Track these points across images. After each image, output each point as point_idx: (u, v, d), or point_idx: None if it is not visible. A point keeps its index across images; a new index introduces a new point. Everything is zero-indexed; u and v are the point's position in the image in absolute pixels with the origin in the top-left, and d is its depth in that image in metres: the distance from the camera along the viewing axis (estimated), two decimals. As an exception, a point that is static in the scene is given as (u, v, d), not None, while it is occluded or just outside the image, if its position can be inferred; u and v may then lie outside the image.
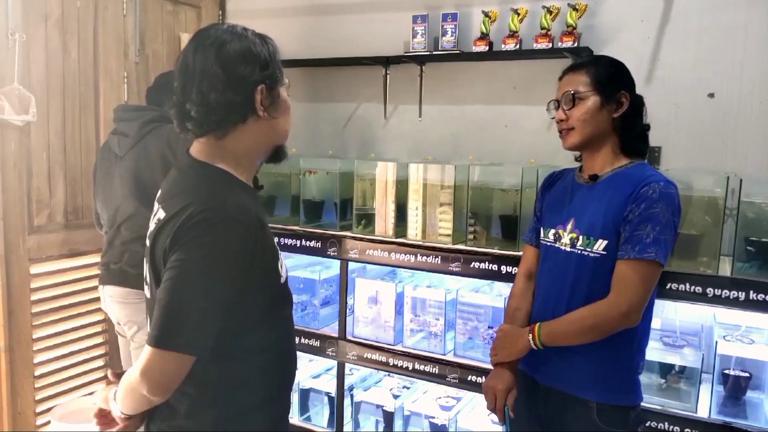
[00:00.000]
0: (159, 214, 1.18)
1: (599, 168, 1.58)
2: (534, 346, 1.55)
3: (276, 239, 2.64)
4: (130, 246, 2.24)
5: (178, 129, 1.19)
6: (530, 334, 1.55)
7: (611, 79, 1.54)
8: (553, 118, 1.62)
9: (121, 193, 2.27)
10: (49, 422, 2.56)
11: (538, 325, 1.55)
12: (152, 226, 1.19)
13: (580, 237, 1.54)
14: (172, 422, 1.17)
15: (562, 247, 1.59)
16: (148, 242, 1.21)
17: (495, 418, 2.46)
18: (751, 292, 1.87)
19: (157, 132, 2.24)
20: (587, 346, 1.50)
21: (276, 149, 1.26)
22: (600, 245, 1.50)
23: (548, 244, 1.65)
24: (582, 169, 1.66)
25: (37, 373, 2.56)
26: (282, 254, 1.30)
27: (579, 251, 1.54)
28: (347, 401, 2.68)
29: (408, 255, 2.43)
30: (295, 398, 2.80)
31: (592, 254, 1.51)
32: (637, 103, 1.57)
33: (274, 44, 1.22)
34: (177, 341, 1.07)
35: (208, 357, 1.11)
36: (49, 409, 2.57)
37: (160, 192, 1.24)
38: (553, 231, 1.63)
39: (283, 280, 1.27)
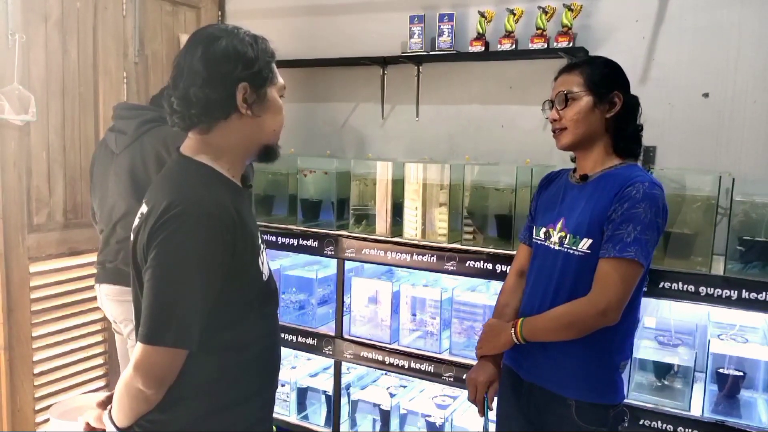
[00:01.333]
0: (142, 208, 1.20)
1: (590, 168, 1.60)
2: (516, 341, 1.58)
3: (273, 238, 2.71)
4: (125, 244, 2.24)
5: (169, 122, 1.21)
6: (512, 329, 1.58)
7: (605, 79, 1.55)
8: (547, 118, 1.64)
9: (116, 191, 2.29)
10: (48, 420, 2.58)
11: (520, 320, 1.58)
12: (136, 221, 1.22)
13: (568, 236, 1.56)
14: (147, 416, 1.18)
15: (551, 246, 1.61)
16: (131, 236, 1.23)
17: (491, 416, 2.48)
18: (744, 290, 1.87)
19: (155, 131, 2.25)
20: (566, 344, 1.52)
21: (265, 148, 1.26)
22: (585, 244, 1.51)
23: (539, 242, 1.67)
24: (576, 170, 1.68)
25: (36, 371, 2.58)
26: (265, 252, 1.30)
27: (566, 249, 1.56)
28: (344, 400, 2.69)
29: (404, 254, 2.44)
30: (292, 397, 2.81)
31: (577, 252, 1.53)
32: (631, 103, 1.58)
33: (266, 45, 1.22)
34: (165, 337, 1.10)
35: (196, 349, 1.12)
36: (48, 407, 2.59)
37: (149, 188, 1.26)
38: (544, 229, 1.65)
39: (265, 277, 1.27)
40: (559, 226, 1.59)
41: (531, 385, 1.63)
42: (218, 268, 1.13)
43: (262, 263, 1.26)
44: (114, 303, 2.34)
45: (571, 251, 1.54)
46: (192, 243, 1.10)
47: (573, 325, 1.49)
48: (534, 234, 1.70)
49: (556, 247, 1.59)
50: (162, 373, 1.13)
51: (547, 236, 1.63)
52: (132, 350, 2.30)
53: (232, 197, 1.19)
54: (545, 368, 1.58)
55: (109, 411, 1.23)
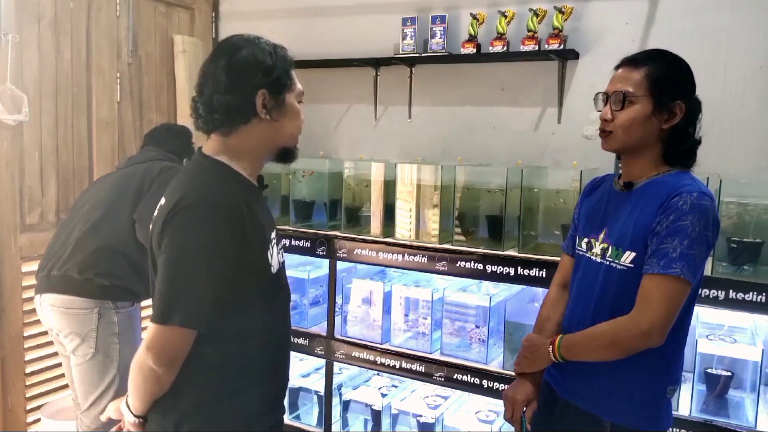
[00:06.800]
0: (161, 201, 1.31)
1: (637, 175, 1.46)
2: (554, 359, 1.48)
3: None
4: (81, 246, 2.13)
5: (194, 125, 1.33)
6: (550, 347, 1.49)
7: (669, 84, 1.39)
8: (598, 111, 1.47)
9: (102, 194, 2.21)
10: (39, 420, 2.58)
11: (559, 337, 1.49)
12: (156, 212, 1.31)
13: (610, 248, 1.45)
14: (159, 401, 1.27)
15: (593, 258, 1.50)
16: (151, 227, 1.33)
17: (482, 416, 2.49)
18: (731, 291, 1.89)
19: (160, 164, 2.25)
20: (608, 364, 1.42)
21: (283, 150, 1.36)
22: (628, 257, 1.40)
23: (581, 253, 1.56)
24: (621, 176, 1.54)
25: (28, 370, 2.58)
26: (277, 247, 1.38)
27: (608, 262, 1.45)
28: (336, 400, 2.70)
29: (395, 254, 2.45)
30: (285, 397, 2.82)
31: (619, 266, 1.42)
32: (692, 112, 1.41)
33: (285, 53, 1.32)
34: (175, 317, 1.18)
35: (206, 331, 1.22)
36: (39, 407, 2.60)
37: (170, 184, 1.36)
38: (586, 240, 1.54)
39: (274, 270, 1.34)
40: (601, 237, 1.48)
41: (567, 403, 1.53)
42: (226, 256, 1.21)
43: (271, 256, 1.33)
44: (60, 314, 2.13)
45: (614, 264, 1.43)
46: (200, 231, 1.19)
47: (613, 345, 1.38)
48: (576, 244, 1.59)
49: (598, 260, 1.48)
50: (172, 352, 1.21)
51: (590, 247, 1.52)
52: (77, 368, 2.18)
53: (246, 193, 1.29)
54: (583, 386, 1.49)
55: (126, 399, 1.33)
